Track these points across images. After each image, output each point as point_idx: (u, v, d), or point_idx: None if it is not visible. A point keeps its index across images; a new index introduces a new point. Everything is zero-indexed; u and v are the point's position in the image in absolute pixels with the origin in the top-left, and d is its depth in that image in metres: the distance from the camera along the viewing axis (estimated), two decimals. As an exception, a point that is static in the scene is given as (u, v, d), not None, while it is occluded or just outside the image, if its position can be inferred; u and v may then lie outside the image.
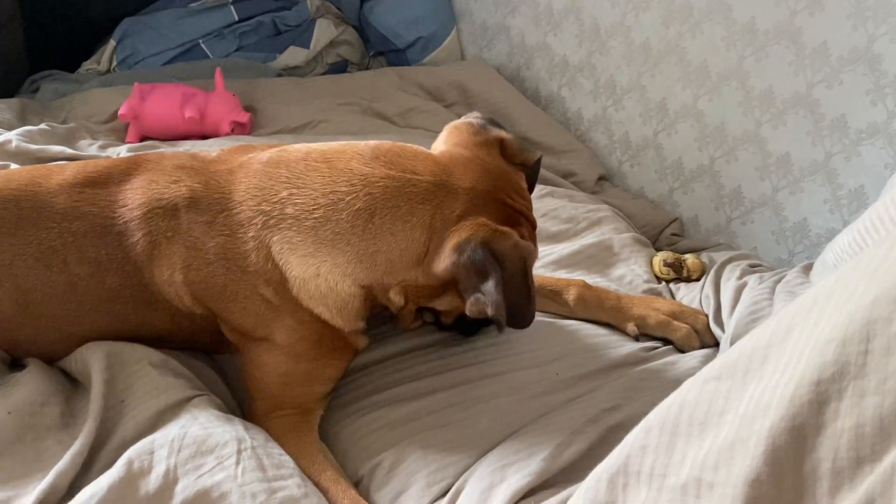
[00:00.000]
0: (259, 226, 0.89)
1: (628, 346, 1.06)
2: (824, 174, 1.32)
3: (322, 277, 0.89)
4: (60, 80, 1.86)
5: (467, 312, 0.86)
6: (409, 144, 0.95)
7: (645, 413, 0.66)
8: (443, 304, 0.94)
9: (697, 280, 1.28)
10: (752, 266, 1.26)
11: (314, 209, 0.88)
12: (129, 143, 1.58)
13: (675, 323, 1.11)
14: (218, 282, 0.90)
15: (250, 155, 0.96)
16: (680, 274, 1.28)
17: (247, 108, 1.71)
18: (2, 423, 0.83)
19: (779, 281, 1.14)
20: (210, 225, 0.90)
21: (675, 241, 1.52)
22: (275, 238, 0.89)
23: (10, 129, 1.52)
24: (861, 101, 1.24)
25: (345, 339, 0.95)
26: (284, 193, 0.89)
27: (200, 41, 1.95)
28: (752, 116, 1.42)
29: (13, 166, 1.35)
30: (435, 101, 1.86)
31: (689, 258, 1.31)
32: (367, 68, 2.19)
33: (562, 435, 0.84)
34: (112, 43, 1.92)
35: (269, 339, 0.92)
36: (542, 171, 1.60)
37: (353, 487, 0.86)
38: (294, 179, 0.90)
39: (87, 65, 1.93)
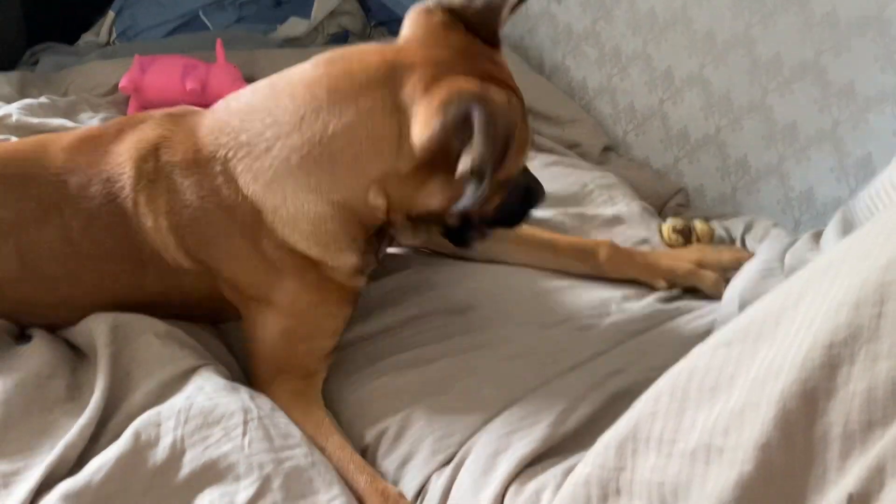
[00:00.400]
0: (222, 159, 0.89)
1: (632, 309, 1.06)
2: (831, 142, 1.31)
3: (289, 201, 0.87)
4: (60, 53, 1.85)
5: (456, 172, 0.78)
6: (356, 46, 0.92)
7: (649, 378, 0.66)
8: (432, 197, 0.88)
9: None
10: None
11: (264, 130, 0.87)
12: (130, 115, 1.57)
13: (702, 272, 1.12)
14: (200, 224, 0.91)
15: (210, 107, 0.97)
16: (689, 240, 1.27)
17: (248, 80, 1.69)
18: (9, 396, 0.84)
19: (788, 248, 1.13)
20: (184, 166, 0.91)
21: (680, 212, 1.51)
22: (238, 169, 0.88)
23: (9, 102, 1.52)
24: (870, 68, 1.23)
25: (338, 283, 0.94)
26: (236, 122, 0.89)
27: (200, 12, 1.94)
28: (758, 84, 1.40)
29: (14, 140, 1.34)
30: (437, 71, 1.85)
31: (699, 224, 1.30)
32: (369, 38, 2.17)
33: (566, 401, 0.84)
34: (111, 14, 1.91)
35: (262, 293, 0.92)
36: (547, 142, 1.61)
37: (357, 453, 0.87)
38: (244, 108, 0.90)
39: (87, 37, 1.93)
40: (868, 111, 1.25)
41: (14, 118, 1.42)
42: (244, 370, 1.00)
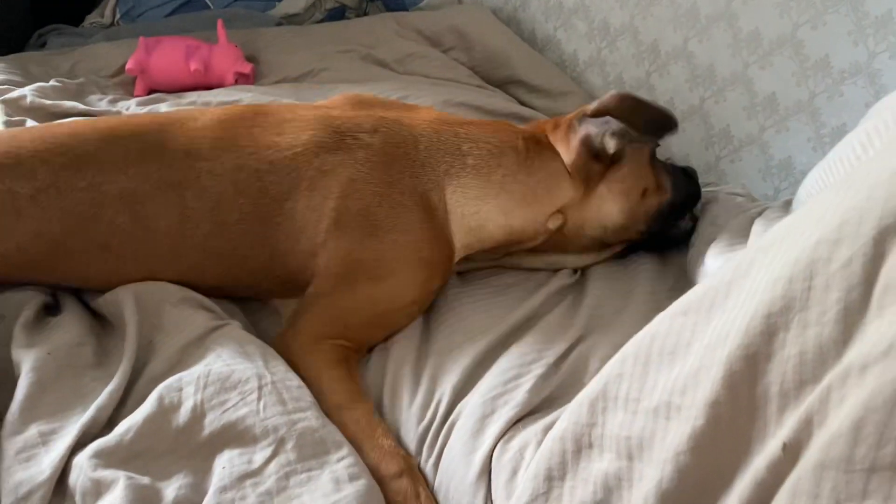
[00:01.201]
0: (441, 172, 1.06)
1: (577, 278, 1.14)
2: (808, 113, 1.37)
3: (478, 216, 1.07)
4: (66, 34, 1.90)
5: (609, 148, 1.07)
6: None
7: (607, 341, 0.72)
8: (614, 207, 1.11)
9: None
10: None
11: (489, 158, 1.08)
12: (137, 96, 1.63)
13: None
14: (380, 212, 1.02)
15: (407, 113, 1.16)
16: None
17: (248, 59, 1.75)
18: (44, 363, 0.91)
19: (760, 213, 1.19)
20: (385, 164, 1.05)
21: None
22: (452, 182, 1.06)
23: (18, 86, 1.57)
24: (844, 42, 1.28)
25: (443, 277, 1.07)
26: (465, 148, 1.08)
27: (201, -9, 1.99)
28: (739, 57, 1.46)
29: (29, 122, 1.41)
30: (433, 46, 1.90)
31: None
32: (365, 13, 2.21)
33: (542, 367, 0.91)
34: (114, -5, 1.96)
35: (383, 277, 1.01)
36: (540, 115, 1.66)
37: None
38: (470, 138, 1.10)
39: (91, 18, 1.97)
40: (842, 83, 1.30)
41: (28, 100, 1.48)
42: (259, 331, 1.06)
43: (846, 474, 0.51)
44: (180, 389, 0.87)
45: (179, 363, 0.93)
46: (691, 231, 1.17)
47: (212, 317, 1.00)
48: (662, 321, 0.70)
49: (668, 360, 0.68)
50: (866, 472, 0.50)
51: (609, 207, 1.11)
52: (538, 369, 0.90)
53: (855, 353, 0.53)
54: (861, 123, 0.95)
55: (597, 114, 1.09)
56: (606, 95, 1.09)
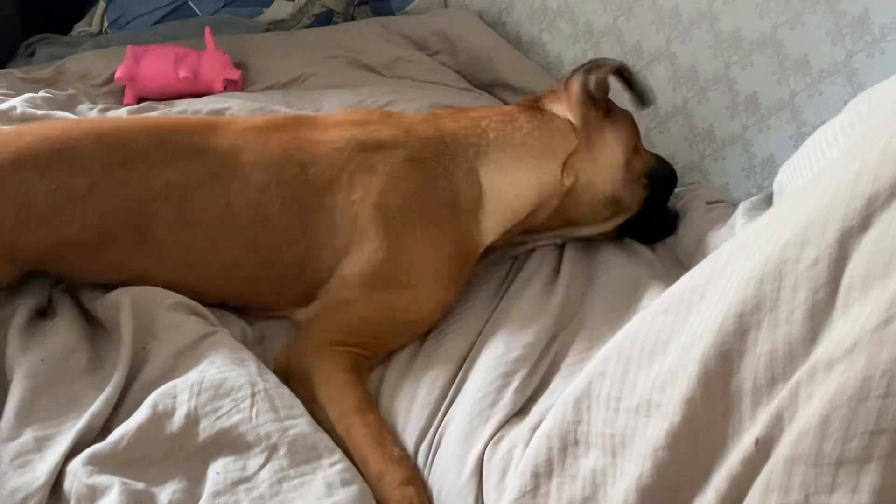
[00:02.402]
0: (470, 157, 1.12)
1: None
2: (789, 111, 1.39)
3: (514, 185, 1.13)
4: (55, 44, 1.90)
5: (597, 77, 1.17)
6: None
7: (576, 340, 0.75)
8: (613, 160, 1.18)
9: None
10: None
11: (504, 125, 1.16)
12: (127, 105, 1.64)
13: None
14: (417, 208, 1.07)
15: (424, 115, 1.23)
16: None
17: (237, 65, 1.76)
18: (38, 369, 0.92)
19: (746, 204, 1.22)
20: (419, 161, 1.10)
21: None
22: (483, 162, 1.13)
23: (8, 97, 1.57)
24: (822, 41, 1.30)
25: (465, 278, 1.11)
26: (483, 124, 1.16)
27: (188, -2, 2.00)
28: (721, 58, 1.48)
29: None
30: (419, 50, 1.91)
31: None
32: (353, 18, 2.23)
33: (526, 366, 0.94)
34: (102, 4, 1.96)
35: (411, 281, 1.04)
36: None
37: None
38: (483, 115, 1.18)
39: (79, 27, 1.98)
40: (821, 82, 1.33)
41: (18, 110, 1.48)
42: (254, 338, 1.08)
43: (815, 468, 0.53)
44: (174, 396, 0.89)
45: (173, 369, 0.95)
46: (676, 218, 1.29)
47: (204, 323, 1.01)
48: (643, 320, 0.72)
49: (648, 358, 0.70)
50: (834, 465, 0.52)
51: (611, 156, 1.19)
52: (523, 368, 0.92)
53: (822, 350, 0.56)
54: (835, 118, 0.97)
55: (590, 70, 1.20)
56: (603, 60, 1.22)
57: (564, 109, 1.20)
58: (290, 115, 1.21)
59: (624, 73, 1.21)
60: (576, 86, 1.19)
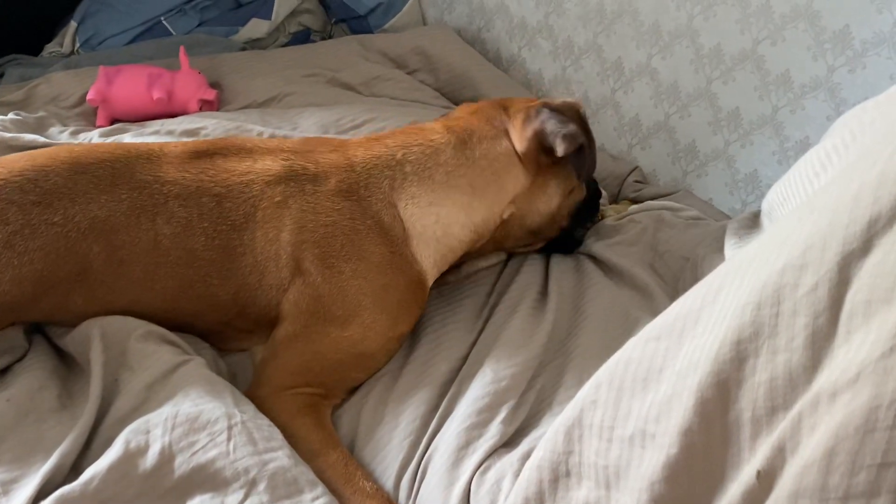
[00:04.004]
0: (385, 189, 1.05)
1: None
2: (772, 127, 1.38)
3: (440, 223, 1.06)
4: (24, 65, 1.86)
5: (558, 151, 1.08)
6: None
7: (566, 369, 0.72)
8: (553, 197, 1.15)
9: None
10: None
11: (425, 160, 1.07)
12: (99, 126, 1.60)
13: None
14: (335, 242, 1.01)
15: (339, 140, 1.15)
16: None
17: (212, 85, 1.73)
18: (2, 411, 0.89)
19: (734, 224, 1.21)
20: (332, 193, 1.03)
21: (639, 188, 1.58)
22: (401, 196, 1.05)
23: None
24: (803, 57, 1.30)
25: (418, 306, 1.07)
26: (399, 156, 1.07)
27: (162, 18, 1.96)
28: (703, 73, 1.47)
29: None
30: (398, 68, 1.89)
31: (609, 210, 1.42)
32: (330, 36, 2.21)
33: (514, 396, 0.91)
34: (73, 24, 1.92)
35: (349, 314, 0.99)
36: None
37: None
38: (400, 145, 1.09)
39: (50, 47, 1.94)
40: (804, 97, 1.32)
41: (-14, 134, 1.45)
42: (225, 365, 1.05)
43: (821, 503, 0.51)
44: (147, 432, 0.85)
45: (146, 402, 0.91)
46: (582, 238, 1.29)
47: (177, 352, 0.98)
48: (636, 346, 0.70)
49: (641, 386, 0.67)
50: (840, 500, 0.50)
51: (550, 200, 1.16)
52: (511, 399, 0.90)
53: (824, 379, 0.53)
54: (822, 140, 0.96)
55: (557, 110, 1.12)
56: (573, 100, 1.16)
57: (518, 139, 1.12)
58: (217, 139, 1.14)
59: (578, 141, 1.11)
60: (531, 131, 1.10)
